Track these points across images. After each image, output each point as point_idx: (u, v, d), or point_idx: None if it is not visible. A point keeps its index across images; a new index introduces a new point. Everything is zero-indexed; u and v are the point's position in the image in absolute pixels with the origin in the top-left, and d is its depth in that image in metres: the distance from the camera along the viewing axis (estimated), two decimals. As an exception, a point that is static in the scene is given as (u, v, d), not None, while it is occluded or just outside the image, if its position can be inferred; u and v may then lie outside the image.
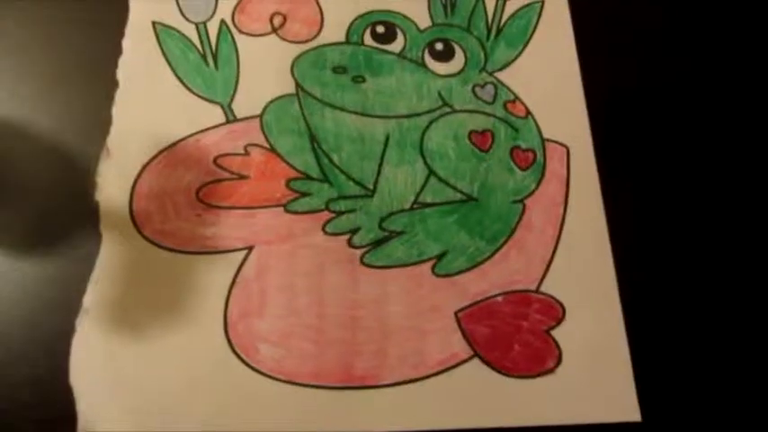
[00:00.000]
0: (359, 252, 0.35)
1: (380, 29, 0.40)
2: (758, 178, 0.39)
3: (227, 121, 0.37)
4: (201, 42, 0.39)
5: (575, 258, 0.35)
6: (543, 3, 0.43)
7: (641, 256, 0.36)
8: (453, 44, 0.40)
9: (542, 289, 0.35)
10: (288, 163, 0.36)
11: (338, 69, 0.39)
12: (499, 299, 0.34)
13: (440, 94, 0.39)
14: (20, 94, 0.37)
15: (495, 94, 0.39)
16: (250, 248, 0.34)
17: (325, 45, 0.39)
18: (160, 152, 0.36)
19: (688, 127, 0.40)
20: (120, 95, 0.37)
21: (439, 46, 0.40)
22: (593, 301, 0.35)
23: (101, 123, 0.36)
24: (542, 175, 0.37)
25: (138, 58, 0.38)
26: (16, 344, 0.33)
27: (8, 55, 0.38)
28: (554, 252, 0.36)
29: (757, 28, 0.43)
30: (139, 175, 0.35)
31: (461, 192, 0.36)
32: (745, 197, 0.38)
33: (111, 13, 0.39)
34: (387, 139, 0.37)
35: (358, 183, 0.36)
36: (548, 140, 0.38)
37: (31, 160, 0.36)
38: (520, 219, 0.36)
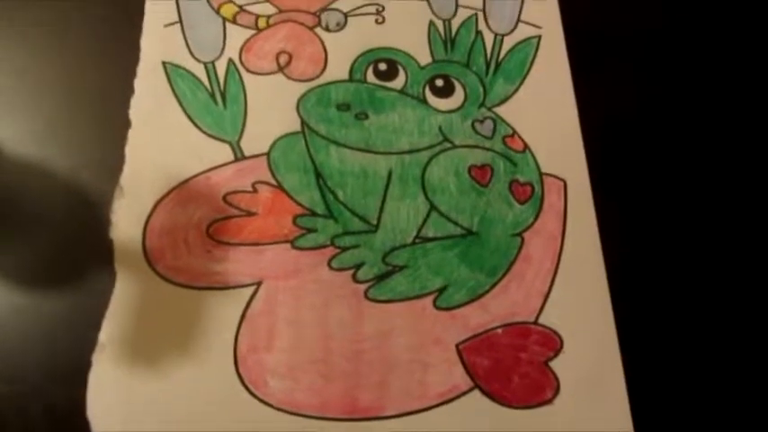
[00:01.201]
0: (363, 287, 0.36)
1: (382, 66, 0.42)
2: (753, 209, 0.40)
3: (236, 159, 0.38)
4: (210, 81, 0.40)
5: (572, 290, 0.37)
6: (540, 38, 0.44)
7: (637, 289, 0.37)
8: (453, 80, 0.42)
9: (541, 321, 0.36)
10: (294, 200, 0.37)
11: (342, 107, 0.40)
12: (499, 331, 0.36)
13: (440, 129, 0.40)
14: (36, 132, 0.39)
15: (494, 128, 0.41)
16: (258, 284, 0.35)
17: (329, 83, 0.41)
18: (171, 190, 0.37)
19: (681, 160, 0.41)
20: (132, 134, 0.38)
21: (439, 82, 0.42)
22: (590, 332, 0.36)
23: (115, 162, 0.38)
24: (540, 208, 0.39)
25: (149, 97, 0.39)
26: (34, 378, 0.34)
27: (25, 93, 0.40)
28: (552, 284, 0.37)
29: (751, 59, 0.44)
30: (152, 213, 0.37)
31: (462, 226, 0.38)
32: (740, 228, 0.39)
33: (124, 52, 0.41)
34: (389, 174, 0.39)
35: (362, 218, 0.37)
36: (545, 174, 0.40)
37: (47, 198, 0.37)
38: (518, 252, 0.37)
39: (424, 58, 0.42)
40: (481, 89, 0.42)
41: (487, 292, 0.36)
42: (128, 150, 0.38)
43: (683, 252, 0.39)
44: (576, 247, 0.38)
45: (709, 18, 0.46)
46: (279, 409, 0.33)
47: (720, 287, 0.38)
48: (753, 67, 0.44)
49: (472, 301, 0.36)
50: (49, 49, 0.41)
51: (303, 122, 0.39)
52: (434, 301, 0.36)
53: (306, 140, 0.39)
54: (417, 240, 0.37)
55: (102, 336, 0.34)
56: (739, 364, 0.36)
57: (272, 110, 0.40)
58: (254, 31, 0.42)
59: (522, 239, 0.38)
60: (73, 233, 0.36)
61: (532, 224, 0.38)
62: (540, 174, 0.40)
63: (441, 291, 0.36)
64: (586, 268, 0.37)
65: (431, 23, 0.43)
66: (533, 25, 0.44)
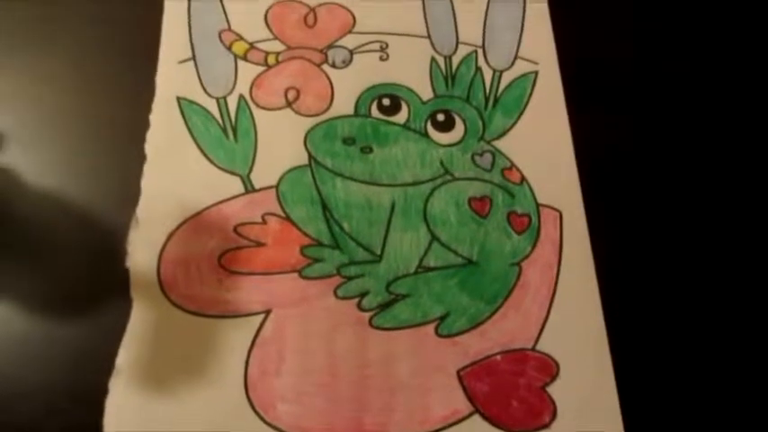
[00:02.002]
0: (368, 315, 0.38)
1: (386, 101, 0.44)
2: (748, 239, 0.42)
3: (246, 192, 0.40)
4: (222, 116, 0.42)
5: (568, 317, 0.38)
6: (537, 73, 0.46)
7: (631, 316, 0.39)
8: (454, 115, 0.44)
9: (538, 347, 0.38)
10: (302, 231, 0.39)
11: (348, 141, 0.42)
12: (498, 357, 0.37)
13: (441, 162, 0.42)
14: (55, 165, 0.40)
15: (493, 161, 0.42)
16: (268, 312, 0.37)
17: (335, 118, 0.43)
18: (185, 221, 0.39)
19: (674, 191, 0.43)
20: (148, 167, 0.40)
21: (440, 117, 0.44)
22: (585, 358, 0.38)
23: (131, 194, 0.39)
24: (537, 238, 0.40)
25: (164, 131, 0.41)
26: (52, 401, 0.35)
27: (43, 126, 0.42)
28: (548, 312, 0.39)
29: (745, 92, 0.46)
30: (166, 243, 0.38)
31: (462, 256, 0.39)
32: (735, 258, 0.41)
33: (139, 88, 0.43)
34: (393, 206, 0.40)
35: (366, 248, 0.39)
36: (542, 205, 0.42)
37: (66, 228, 0.39)
38: (516, 281, 0.39)
39: (426, 93, 0.44)
40: (480, 123, 0.43)
41: (487, 319, 0.38)
42: (143, 183, 0.40)
43: (676, 280, 0.40)
44: (572, 276, 0.39)
45: (702, 52, 0.48)
46: (287, 433, 0.35)
47: (714, 313, 0.40)
48: (747, 101, 0.46)
49: (472, 328, 0.38)
50: (67, 83, 0.43)
51: (310, 156, 0.41)
52: (436, 329, 0.37)
53: (313, 173, 0.41)
54: (419, 270, 0.39)
55: (119, 361, 0.35)
56: (733, 388, 0.38)
57: (280, 144, 0.42)
58: (263, 68, 0.44)
59: (520, 269, 0.39)
60: (90, 262, 0.38)
61: (530, 254, 0.40)
62: (537, 205, 0.41)
63: (442, 318, 0.38)
64: (581, 296, 0.39)
65: (432, 60, 0.45)
66: (530, 61, 0.46)
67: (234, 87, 0.43)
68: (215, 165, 0.41)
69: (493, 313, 0.38)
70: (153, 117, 0.42)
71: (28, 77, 0.43)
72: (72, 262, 0.38)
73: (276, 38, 0.45)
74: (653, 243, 0.41)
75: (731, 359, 0.39)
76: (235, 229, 0.39)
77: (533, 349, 0.37)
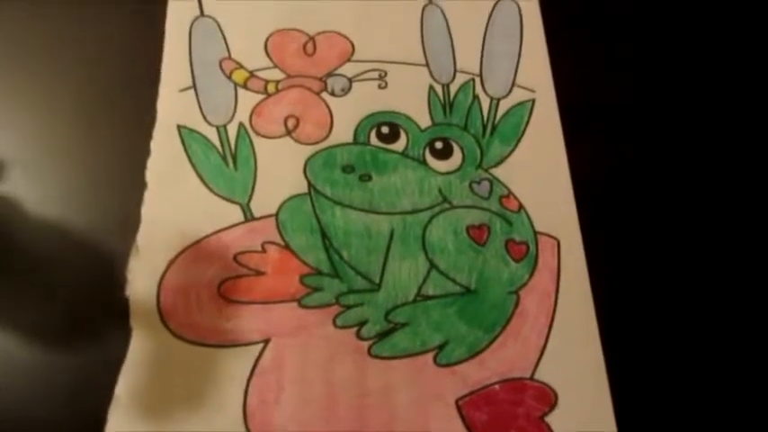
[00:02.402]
0: (367, 344, 0.38)
1: (385, 129, 0.44)
2: (745, 264, 0.42)
3: (246, 220, 0.40)
4: (222, 144, 0.43)
5: (566, 346, 0.39)
6: (534, 101, 0.46)
7: (629, 344, 0.39)
8: (452, 142, 0.44)
9: (536, 376, 0.38)
10: (301, 259, 0.39)
11: (347, 169, 0.42)
12: (496, 387, 0.37)
13: (440, 190, 0.42)
14: (56, 193, 0.41)
15: (491, 189, 0.43)
16: (267, 341, 0.37)
17: (334, 146, 0.43)
18: (185, 249, 0.39)
19: (671, 218, 0.43)
20: (148, 196, 0.40)
21: (438, 144, 0.44)
22: (583, 387, 0.38)
23: (131, 222, 0.40)
24: (535, 266, 0.41)
25: (164, 159, 0.42)
26: (50, 427, 0.35)
27: (45, 154, 0.42)
28: (547, 340, 0.39)
29: (739, 120, 0.47)
30: (166, 272, 0.38)
31: (460, 284, 0.40)
32: (733, 286, 0.41)
33: (140, 116, 0.43)
34: (391, 234, 0.41)
35: (365, 277, 0.39)
36: (539, 233, 0.42)
37: (66, 257, 0.39)
38: (515, 309, 0.39)
39: (425, 121, 0.45)
40: (478, 151, 0.44)
41: (485, 348, 0.38)
42: (144, 210, 0.40)
43: (674, 309, 0.40)
44: (570, 304, 0.40)
45: (701, 79, 0.49)
46: (287, 463, 0.35)
47: (713, 341, 0.40)
48: (746, 127, 0.47)
49: (471, 357, 0.38)
50: (68, 110, 0.43)
51: (310, 184, 0.42)
52: (435, 358, 0.38)
53: (312, 202, 0.41)
54: (418, 298, 0.39)
55: (118, 390, 0.36)
56: (731, 411, 0.38)
57: (280, 172, 0.42)
58: (263, 96, 0.44)
59: (518, 297, 0.40)
60: (90, 291, 0.38)
61: (528, 282, 0.40)
62: (535, 233, 0.42)
63: (441, 347, 0.38)
64: (579, 325, 0.39)
65: (430, 88, 0.46)
66: (527, 89, 0.47)
67: (234, 115, 0.44)
68: (215, 193, 0.41)
69: (491, 342, 0.38)
70: (153, 145, 0.42)
71: (29, 105, 0.43)
72: (72, 290, 0.38)
73: (276, 66, 0.45)
74: (650, 271, 0.41)
75: (730, 386, 0.39)
76: (234, 258, 0.39)
77: (532, 378, 0.38)
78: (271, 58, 0.46)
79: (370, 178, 0.42)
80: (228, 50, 0.46)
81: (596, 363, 0.38)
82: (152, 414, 0.35)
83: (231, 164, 0.42)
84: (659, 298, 0.41)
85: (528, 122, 0.46)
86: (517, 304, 0.40)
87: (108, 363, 0.36)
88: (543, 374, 0.38)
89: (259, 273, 0.39)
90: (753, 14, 0.52)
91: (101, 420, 0.35)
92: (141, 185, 0.41)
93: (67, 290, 0.38)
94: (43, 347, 0.37)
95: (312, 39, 0.47)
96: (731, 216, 0.44)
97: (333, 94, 0.45)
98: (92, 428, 0.35)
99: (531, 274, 0.40)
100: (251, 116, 0.44)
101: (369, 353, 0.37)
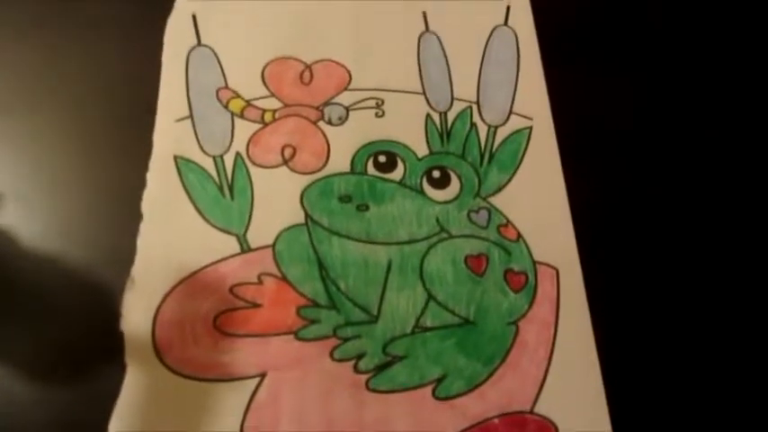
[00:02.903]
0: (364, 377, 0.37)
1: (382, 158, 0.44)
2: (746, 289, 0.42)
3: (242, 251, 0.40)
4: (219, 174, 0.42)
5: (566, 378, 0.38)
6: (531, 129, 0.46)
7: (630, 376, 0.39)
8: (449, 171, 0.44)
9: (536, 410, 0.37)
10: (298, 291, 0.39)
11: (344, 198, 0.42)
12: (496, 421, 0.37)
13: (438, 219, 0.42)
14: (52, 226, 0.40)
15: (489, 218, 0.43)
16: (263, 375, 0.37)
17: (331, 175, 0.43)
18: (180, 281, 0.39)
19: (671, 246, 0.43)
20: (144, 227, 0.40)
21: (436, 173, 0.44)
22: (584, 420, 0.37)
23: (127, 254, 0.39)
24: (534, 296, 0.40)
25: (160, 190, 0.41)
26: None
27: (41, 186, 0.42)
28: (546, 372, 0.38)
29: (735, 149, 0.47)
30: (161, 305, 0.38)
31: (459, 315, 0.39)
32: (734, 315, 0.41)
33: (137, 147, 0.43)
34: (389, 264, 0.40)
35: (363, 308, 0.39)
36: (538, 262, 0.42)
37: (61, 290, 0.39)
38: (514, 340, 0.39)
39: (422, 149, 0.45)
40: (476, 180, 0.44)
41: (485, 380, 0.38)
42: (139, 243, 0.40)
43: (675, 340, 0.40)
44: (569, 335, 0.39)
45: (695, 107, 0.49)
46: (283, 501, 0.34)
47: (714, 371, 0.39)
48: (739, 157, 0.47)
49: (470, 390, 0.37)
50: (65, 142, 0.43)
51: (307, 214, 0.41)
52: (433, 391, 0.37)
53: (309, 232, 0.41)
54: (416, 330, 0.39)
55: (112, 427, 0.35)
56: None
57: (277, 202, 0.42)
58: (260, 125, 0.44)
59: (517, 328, 0.39)
60: (85, 325, 0.38)
61: (527, 312, 0.40)
62: (534, 262, 0.41)
63: (439, 380, 0.37)
64: (579, 356, 0.39)
65: (428, 116, 0.46)
66: (525, 117, 0.47)
67: (231, 145, 0.43)
68: (211, 224, 0.41)
69: (490, 374, 0.38)
70: (150, 176, 0.42)
71: (25, 137, 0.43)
72: (66, 324, 0.38)
73: (273, 95, 0.45)
74: (651, 299, 0.41)
75: (731, 417, 0.38)
76: (231, 290, 0.39)
77: (532, 412, 0.37)
78: (268, 87, 0.46)
79: (367, 208, 0.42)
80: (225, 79, 0.46)
81: (597, 395, 0.38)
82: (146, 451, 0.35)
83: (228, 194, 0.42)
84: (660, 327, 0.40)
85: (526, 150, 0.45)
86: (516, 335, 0.39)
87: (102, 398, 0.36)
88: (543, 407, 0.37)
89: (255, 305, 0.39)
90: (749, 46, 0.52)
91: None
92: (137, 217, 0.40)
93: (62, 324, 0.38)
94: (37, 382, 0.37)
95: (309, 67, 0.47)
96: (731, 243, 0.44)
97: (330, 122, 0.45)
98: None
99: (531, 305, 0.40)
100: (248, 146, 0.44)
101: (366, 386, 0.37)
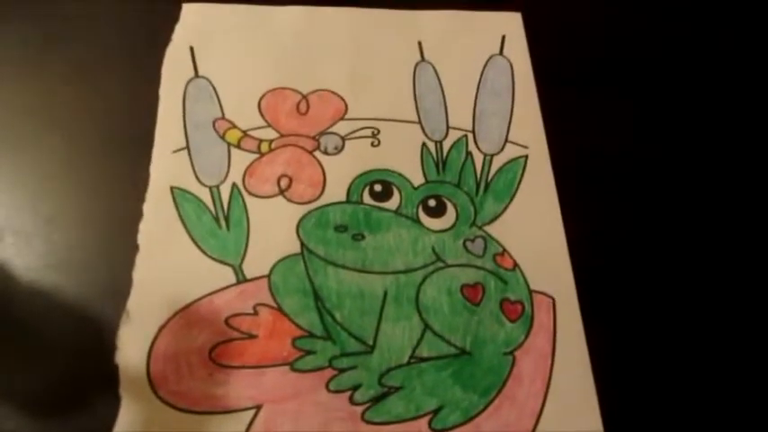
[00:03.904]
0: (360, 409, 0.37)
1: (378, 187, 0.44)
2: (744, 318, 0.41)
3: (238, 282, 0.40)
4: (215, 205, 0.43)
5: (563, 409, 0.38)
6: (527, 157, 0.46)
7: (627, 406, 0.38)
8: (445, 200, 0.44)
9: (534, 441, 0.37)
10: (293, 322, 0.39)
11: (340, 228, 0.42)
12: (493, 453, 0.36)
13: (433, 249, 0.42)
14: (46, 259, 0.40)
15: (485, 247, 0.43)
16: (258, 407, 0.37)
17: (327, 205, 0.43)
18: (175, 313, 0.39)
19: (667, 274, 0.43)
20: (140, 259, 0.40)
21: (431, 202, 0.44)
22: (582, 452, 0.37)
23: (123, 286, 0.39)
24: (531, 326, 0.40)
25: (157, 221, 0.42)
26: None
27: (37, 219, 0.42)
28: (543, 403, 0.38)
29: (732, 176, 0.47)
30: (156, 337, 0.38)
31: (455, 345, 0.39)
32: (732, 343, 0.41)
33: (134, 178, 0.43)
34: (385, 295, 0.40)
35: (359, 339, 0.39)
36: (535, 292, 0.41)
37: (56, 323, 0.39)
38: (510, 371, 0.39)
39: (418, 178, 0.45)
40: (472, 209, 0.44)
41: (481, 412, 0.37)
42: (135, 274, 0.40)
43: (674, 369, 0.40)
44: (567, 366, 0.39)
45: (692, 136, 0.49)
46: None
47: (713, 399, 0.39)
48: (736, 187, 0.47)
49: (466, 422, 0.37)
50: (62, 175, 0.43)
51: (303, 244, 0.41)
52: (430, 423, 0.37)
53: (305, 262, 0.41)
54: (412, 360, 0.39)
55: (106, 461, 0.35)
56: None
57: (273, 232, 0.42)
58: (257, 156, 0.45)
59: (514, 358, 0.39)
60: (80, 358, 0.38)
61: (523, 342, 0.40)
62: (530, 291, 0.41)
63: (436, 412, 0.37)
64: (576, 387, 0.39)
65: (423, 145, 0.46)
66: (520, 145, 0.47)
67: (227, 176, 0.44)
68: (207, 255, 0.41)
69: (487, 406, 0.38)
70: (146, 207, 0.42)
71: (22, 170, 0.43)
72: (61, 358, 0.38)
73: (269, 125, 0.46)
74: (649, 328, 0.41)
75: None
76: (226, 321, 0.39)
77: (529, 444, 0.37)
78: (264, 118, 0.46)
79: (363, 237, 0.42)
80: (222, 110, 0.46)
81: (594, 426, 0.37)
82: (140, 486, 0.34)
83: (224, 225, 0.42)
84: (658, 357, 0.40)
85: (521, 179, 0.46)
86: (513, 366, 0.39)
87: (97, 431, 0.35)
88: (541, 439, 0.37)
89: (251, 336, 0.38)
90: (745, 71, 0.52)
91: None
92: (133, 249, 0.40)
93: (56, 357, 0.38)
94: (31, 415, 0.37)
95: (305, 98, 0.47)
96: (728, 269, 0.44)
97: (326, 152, 0.45)
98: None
99: (527, 335, 0.40)
100: (244, 176, 0.44)
101: (362, 418, 0.37)
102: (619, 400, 0.38)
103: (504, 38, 0.51)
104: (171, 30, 0.49)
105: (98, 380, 0.37)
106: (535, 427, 0.37)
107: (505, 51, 0.51)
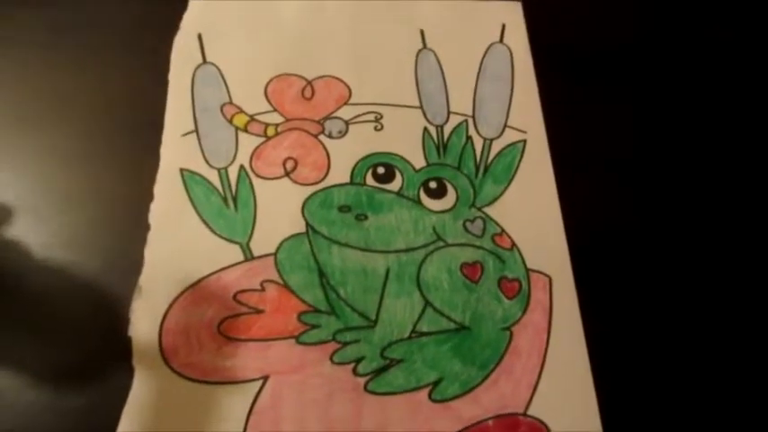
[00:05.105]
0: (363, 380, 0.39)
1: (380, 170, 0.45)
2: (737, 302, 0.43)
3: (246, 260, 0.41)
4: (223, 186, 0.44)
5: (558, 383, 0.39)
6: (525, 142, 0.48)
7: (620, 380, 0.40)
8: (445, 182, 0.45)
9: (529, 412, 0.39)
10: (299, 298, 0.41)
11: (343, 209, 0.44)
12: (490, 422, 0.38)
13: (434, 229, 0.44)
14: (62, 237, 0.42)
15: (484, 228, 0.44)
16: (265, 378, 0.38)
17: (331, 186, 0.45)
18: (186, 289, 0.40)
19: (660, 254, 0.44)
20: (151, 237, 0.42)
21: (432, 184, 0.45)
22: (575, 422, 0.38)
23: (135, 263, 0.41)
24: (527, 303, 0.42)
25: (167, 202, 0.43)
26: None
27: (51, 199, 0.43)
28: (539, 377, 0.39)
29: (729, 161, 0.48)
30: (167, 312, 0.40)
31: (455, 321, 0.41)
32: (724, 319, 0.42)
33: (144, 161, 0.45)
34: (387, 272, 0.42)
35: (361, 314, 0.40)
36: (532, 270, 0.43)
37: (72, 299, 0.40)
38: (508, 346, 0.40)
39: (419, 162, 0.46)
40: (471, 191, 0.45)
41: (479, 384, 0.39)
42: (147, 253, 0.41)
43: (665, 344, 0.41)
44: (562, 341, 0.40)
45: (686, 119, 0.50)
46: (284, 500, 0.35)
47: (704, 377, 0.41)
48: (730, 169, 0.48)
49: (465, 393, 0.39)
50: (75, 157, 0.45)
51: (308, 224, 0.43)
52: (430, 394, 0.38)
53: (310, 241, 0.42)
54: (413, 335, 0.40)
55: (121, 428, 0.36)
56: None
57: (279, 213, 0.43)
58: (263, 139, 0.46)
59: (511, 333, 0.41)
60: (94, 332, 0.39)
61: (520, 318, 0.41)
62: (527, 270, 0.43)
63: (435, 384, 0.39)
64: (571, 361, 0.40)
65: (425, 130, 0.47)
66: (519, 130, 0.48)
67: (234, 158, 0.45)
68: (216, 234, 0.42)
69: (485, 379, 0.39)
70: (157, 189, 0.43)
71: (36, 153, 0.45)
72: (77, 332, 0.39)
73: (275, 110, 0.47)
74: (643, 307, 0.42)
75: (721, 418, 0.39)
76: (234, 297, 0.40)
77: (525, 414, 0.38)
78: (270, 103, 0.47)
79: (366, 218, 0.43)
80: (230, 96, 0.47)
81: (588, 398, 0.39)
82: (153, 452, 0.36)
83: (232, 205, 0.43)
84: (651, 333, 0.42)
85: (520, 162, 0.47)
86: (510, 341, 0.40)
87: (111, 401, 0.37)
88: (536, 410, 0.39)
89: (258, 311, 0.40)
90: (744, 63, 0.54)
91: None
92: (145, 228, 0.42)
93: (72, 331, 0.40)
94: (48, 387, 0.38)
95: (310, 83, 0.48)
96: (721, 251, 0.45)
97: (330, 136, 0.47)
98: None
99: (524, 311, 0.41)
100: (251, 159, 0.45)
101: (365, 389, 0.38)
102: (612, 375, 0.40)
103: (504, 26, 0.53)
104: (179, 18, 0.50)
105: (112, 352, 0.39)
106: (531, 399, 0.39)
107: (505, 39, 0.52)
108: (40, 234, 0.42)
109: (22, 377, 0.38)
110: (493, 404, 0.38)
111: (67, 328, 0.39)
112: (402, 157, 0.46)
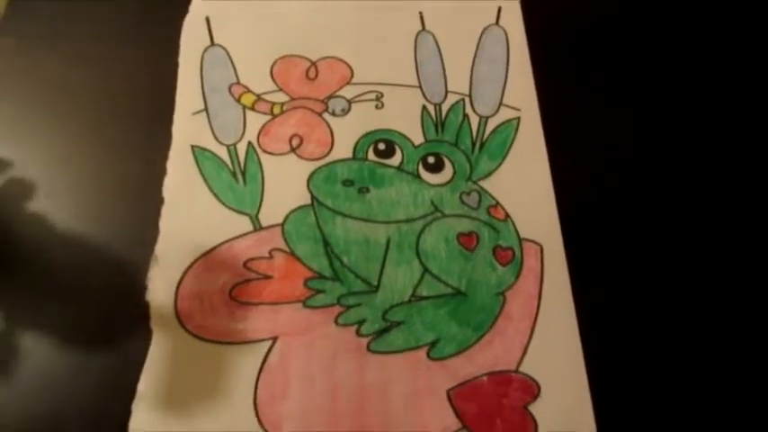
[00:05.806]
0: (366, 341, 0.41)
1: (382, 146, 0.48)
2: (727, 272, 0.45)
3: (255, 230, 0.44)
4: (232, 162, 0.47)
5: (548, 343, 0.42)
6: (519, 119, 0.50)
7: (606, 341, 0.42)
8: (443, 158, 0.48)
9: (521, 369, 0.41)
10: (305, 265, 0.43)
11: (347, 182, 0.46)
12: (484, 379, 0.41)
13: (432, 201, 0.46)
14: (82, 211, 0.45)
15: (480, 200, 0.47)
16: (275, 339, 0.41)
17: (335, 161, 0.47)
18: (199, 258, 0.43)
19: (648, 223, 0.47)
20: (165, 210, 0.44)
21: (431, 159, 0.48)
22: (564, 379, 0.41)
23: (151, 235, 0.44)
24: (520, 270, 0.44)
25: (179, 177, 0.46)
26: (80, 421, 0.39)
27: (72, 176, 0.46)
28: (530, 338, 0.42)
29: (719, 133, 0.50)
30: (182, 279, 0.42)
31: (451, 286, 0.43)
32: (712, 291, 0.45)
33: (157, 139, 0.47)
34: (388, 241, 0.44)
35: (364, 280, 0.43)
36: (524, 240, 0.45)
37: (92, 268, 0.43)
38: (501, 309, 0.43)
39: (418, 138, 0.49)
40: (468, 165, 0.48)
41: (474, 344, 0.42)
42: (161, 224, 0.44)
43: (651, 308, 0.44)
44: (552, 305, 0.43)
45: (677, 97, 0.52)
46: (294, 450, 0.38)
47: (687, 341, 0.43)
48: (719, 149, 0.50)
49: (460, 353, 0.41)
50: (93, 136, 0.47)
51: (313, 197, 0.46)
52: (428, 353, 0.41)
53: (315, 213, 0.45)
54: (413, 299, 0.43)
55: (141, 386, 0.39)
56: (711, 399, 0.41)
57: (285, 186, 0.46)
58: (269, 117, 0.49)
59: (505, 298, 0.43)
60: (115, 298, 0.42)
61: (513, 284, 0.44)
62: (520, 239, 0.45)
63: (433, 344, 0.42)
64: (561, 324, 0.43)
65: (423, 108, 0.50)
66: (513, 108, 0.51)
67: (243, 135, 0.48)
68: (226, 206, 0.45)
69: (479, 339, 0.42)
70: (170, 164, 0.46)
71: (57, 132, 0.47)
72: (98, 298, 0.42)
73: (281, 90, 0.49)
74: (628, 273, 0.45)
75: (705, 385, 0.42)
76: (244, 264, 0.43)
77: (516, 371, 0.41)
78: (276, 83, 0.50)
79: (368, 191, 0.46)
80: (237, 76, 0.50)
81: (576, 357, 0.42)
82: (172, 406, 0.39)
83: (240, 179, 0.46)
84: (636, 298, 0.44)
85: (514, 139, 0.49)
86: (504, 305, 0.43)
87: (131, 361, 0.40)
88: (527, 368, 0.41)
89: (267, 277, 0.43)
90: (736, 46, 0.56)
91: (126, 414, 0.39)
92: (159, 201, 0.45)
93: (94, 297, 0.42)
94: (71, 349, 0.41)
95: (314, 64, 0.51)
96: (711, 226, 0.47)
97: (333, 114, 0.49)
98: (117, 421, 0.38)
99: (517, 278, 0.44)
100: (258, 136, 0.48)
101: (368, 349, 0.41)
102: (599, 336, 0.42)
103: (500, 9, 0.55)
104: (188, 2, 0.52)
105: (132, 316, 0.41)
106: (522, 358, 0.42)
107: (501, 21, 0.54)
108: (63, 209, 0.44)
109: (49, 339, 0.41)
110: (486, 362, 0.41)
111: (90, 294, 0.42)
112: (402, 134, 0.48)
